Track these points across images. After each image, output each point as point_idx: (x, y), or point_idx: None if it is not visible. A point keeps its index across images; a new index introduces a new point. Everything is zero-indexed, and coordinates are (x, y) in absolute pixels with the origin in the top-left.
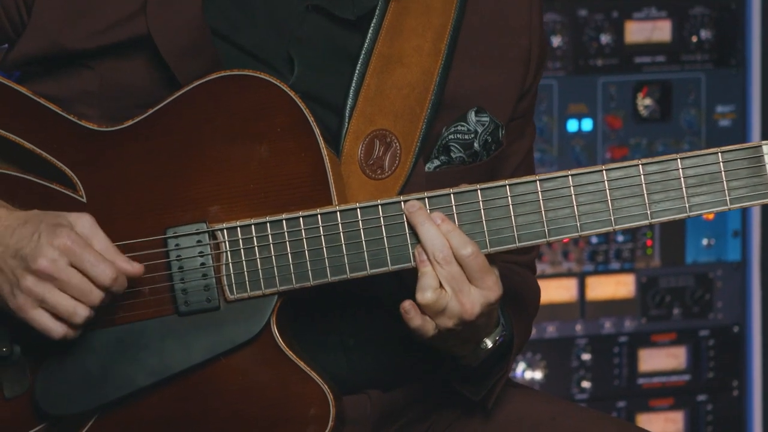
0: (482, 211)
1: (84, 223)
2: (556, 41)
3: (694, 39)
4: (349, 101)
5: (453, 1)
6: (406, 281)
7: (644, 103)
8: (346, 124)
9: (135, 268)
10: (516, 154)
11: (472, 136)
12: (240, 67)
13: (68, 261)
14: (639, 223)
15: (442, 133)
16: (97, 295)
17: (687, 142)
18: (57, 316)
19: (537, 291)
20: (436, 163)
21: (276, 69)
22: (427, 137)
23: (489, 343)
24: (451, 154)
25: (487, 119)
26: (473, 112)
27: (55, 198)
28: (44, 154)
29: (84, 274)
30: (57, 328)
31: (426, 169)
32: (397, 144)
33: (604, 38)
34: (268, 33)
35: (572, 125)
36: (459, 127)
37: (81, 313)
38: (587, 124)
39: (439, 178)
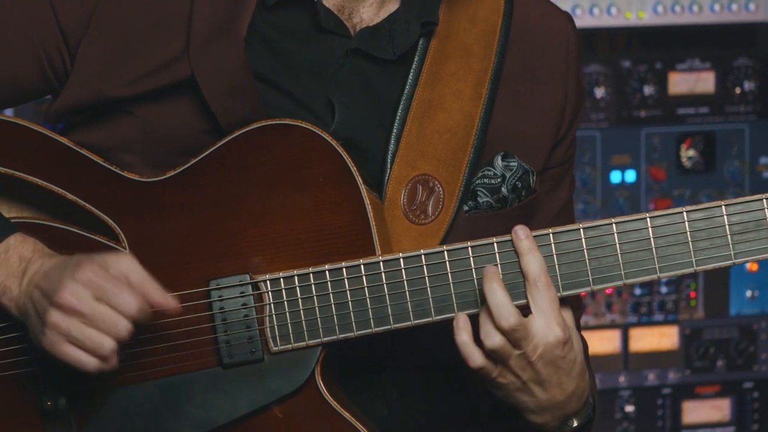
0: (519, 260)
1: (120, 261)
2: (599, 92)
3: (738, 90)
4: (391, 147)
5: (493, 46)
6: (450, 332)
7: (688, 154)
8: (389, 169)
9: (170, 303)
10: (553, 204)
11: (499, 180)
12: (281, 112)
13: (92, 294)
14: (684, 270)
15: None
16: (123, 327)
17: (731, 193)
18: (86, 349)
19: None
20: (465, 208)
21: (316, 114)
22: (470, 182)
23: (575, 422)
24: (478, 199)
25: (516, 164)
26: (500, 157)
27: (97, 249)
28: (87, 205)
29: (109, 305)
30: (88, 362)
31: None
32: (440, 189)
33: (648, 89)
34: (308, 77)
35: (615, 176)
36: (486, 172)
37: (107, 345)
38: (630, 176)
39: (478, 223)
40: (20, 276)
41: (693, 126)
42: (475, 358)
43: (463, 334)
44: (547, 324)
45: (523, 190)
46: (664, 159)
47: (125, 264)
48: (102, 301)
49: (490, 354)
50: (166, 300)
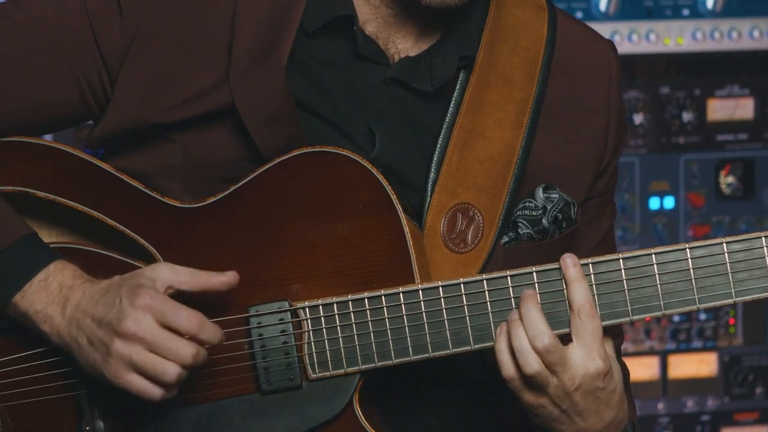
0: (565, 290)
1: (161, 271)
2: (638, 119)
3: None
4: (432, 175)
5: (535, 75)
6: (489, 360)
7: (727, 180)
8: (429, 197)
9: (226, 277)
10: (594, 234)
11: (540, 212)
12: (321, 139)
13: (153, 319)
14: (723, 302)
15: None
16: (186, 351)
17: None
18: (149, 377)
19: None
20: (505, 239)
21: (356, 142)
22: (510, 210)
23: None
24: (519, 230)
25: (557, 195)
26: (541, 189)
27: None
28: (127, 230)
29: (170, 329)
30: (153, 390)
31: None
32: (480, 217)
33: (687, 116)
34: (347, 105)
35: (654, 203)
36: (527, 204)
37: (171, 371)
38: (669, 202)
39: (517, 253)
40: (62, 304)
41: (732, 152)
42: (508, 367)
43: (501, 341)
44: (588, 355)
45: (564, 222)
46: (703, 185)
47: (166, 272)
48: (163, 324)
49: (528, 380)
50: (219, 278)
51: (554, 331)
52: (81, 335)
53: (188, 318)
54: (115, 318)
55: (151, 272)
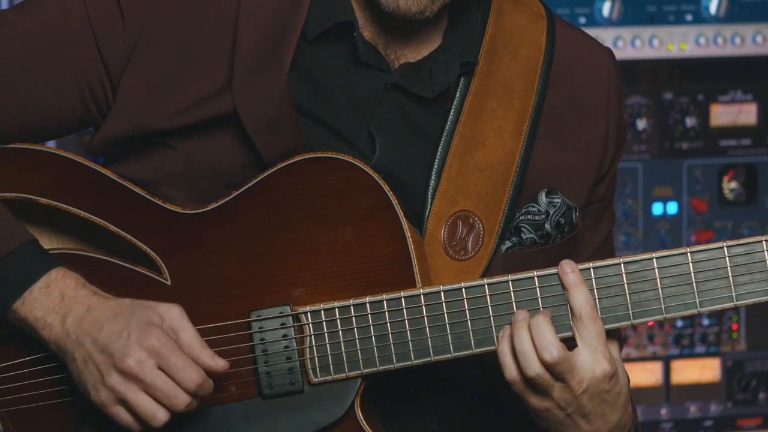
0: (566, 294)
1: (174, 315)
2: (641, 124)
3: None
4: (432, 182)
5: (534, 83)
6: (490, 365)
7: (730, 186)
8: (429, 205)
9: (219, 365)
10: (594, 238)
11: (543, 217)
12: (322, 145)
13: (156, 363)
14: (724, 305)
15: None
16: (181, 400)
17: None
18: (136, 415)
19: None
20: (508, 244)
21: (357, 148)
22: (510, 218)
23: None
24: (522, 235)
25: (559, 200)
26: (544, 194)
27: (139, 281)
28: (129, 237)
29: (170, 377)
30: (137, 427)
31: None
32: (480, 225)
33: (690, 121)
34: (348, 111)
35: (657, 208)
36: (530, 209)
37: (160, 417)
38: (672, 208)
39: (518, 259)
40: (62, 314)
41: (735, 158)
42: (511, 369)
43: (504, 344)
44: (593, 357)
45: (566, 227)
46: (706, 191)
47: (176, 321)
48: (164, 371)
49: (529, 383)
50: (216, 363)
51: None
52: (78, 351)
53: (190, 375)
54: (119, 352)
55: (164, 312)
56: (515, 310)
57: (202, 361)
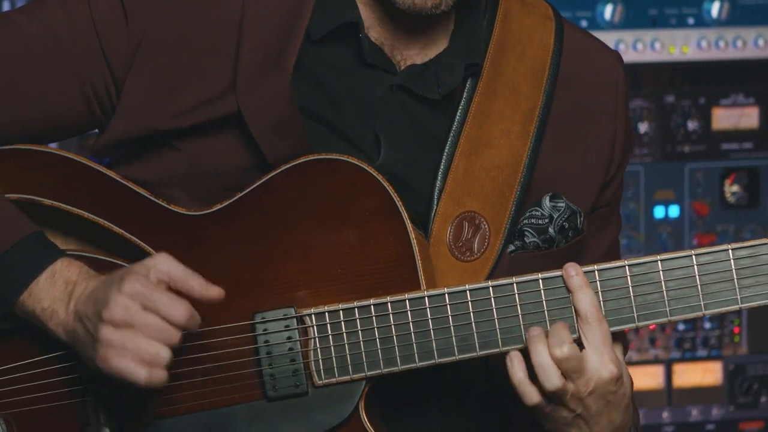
0: (571, 296)
1: (160, 259)
2: (643, 127)
3: None
4: (438, 183)
5: (541, 85)
6: (494, 367)
7: (731, 189)
8: (435, 205)
9: (212, 292)
10: (600, 244)
11: (547, 221)
12: (327, 147)
13: (141, 305)
14: (729, 308)
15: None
16: (175, 334)
17: None
18: (140, 360)
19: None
20: (511, 247)
21: (362, 149)
22: (516, 219)
23: None
24: (525, 238)
25: (563, 204)
26: (548, 197)
27: None
28: (133, 238)
29: (158, 314)
30: (141, 372)
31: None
32: (486, 226)
33: (692, 125)
34: (353, 112)
35: (659, 212)
36: (533, 212)
37: (163, 353)
38: (674, 211)
39: (522, 263)
40: (66, 299)
41: (737, 161)
42: (532, 396)
43: (519, 373)
44: (600, 360)
45: (570, 231)
46: (707, 194)
47: (164, 263)
48: (151, 310)
49: (548, 396)
50: (208, 290)
51: None
52: (81, 327)
53: (177, 308)
54: (103, 303)
55: (149, 261)
56: (519, 312)
57: (196, 291)
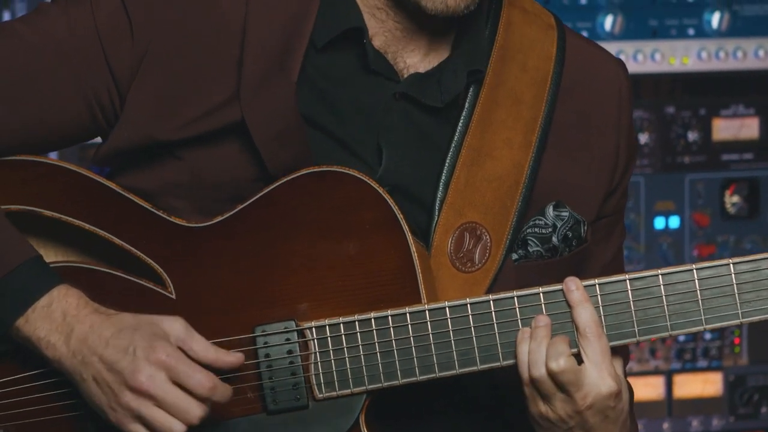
0: (571, 311)
1: (178, 328)
2: (643, 138)
3: None
4: (439, 194)
5: (544, 94)
6: (496, 380)
7: (732, 200)
8: (436, 216)
9: (237, 357)
10: (604, 254)
11: (550, 230)
12: (328, 156)
13: (166, 376)
14: (730, 323)
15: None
16: (195, 413)
17: None
18: (153, 429)
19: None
20: (514, 256)
21: (364, 159)
22: (518, 230)
23: None
24: (529, 248)
25: (567, 214)
26: (551, 207)
27: (144, 294)
28: (133, 250)
29: (182, 387)
30: None
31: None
32: (488, 237)
33: (692, 135)
34: (356, 121)
35: (659, 222)
36: (537, 221)
37: (177, 429)
38: (674, 222)
39: (525, 272)
40: (66, 334)
41: (737, 172)
42: (524, 369)
43: (524, 344)
44: (599, 374)
45: (574, 240)
46: (708, 205)
47: (183, 332)
48: (176, 383)
49: (533, 383)
50: (233, 357)
51: None
52: (86, 372)
53: (201, 381)
54: (128, 369)
55: (167, 326)
56: (520, 326)
57: (221, 360)
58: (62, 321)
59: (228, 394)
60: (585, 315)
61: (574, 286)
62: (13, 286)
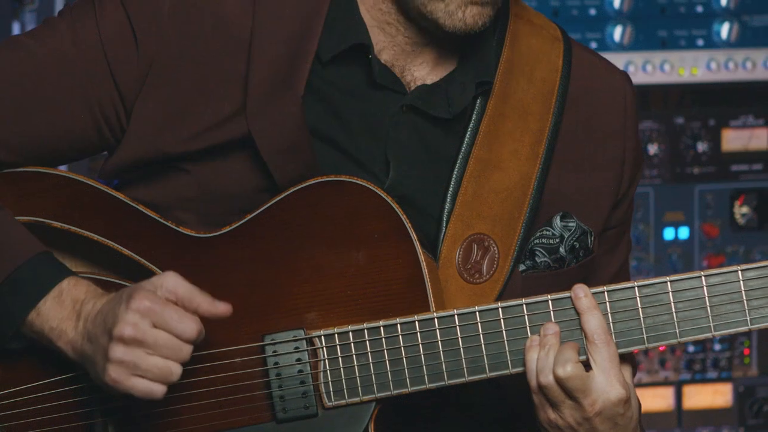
0: (579, 318)
1: (168, 278)
2: (652, 149)
3: None
4: (447, 205)
5: (550, 106)
6: (504, 389)
7: (741, 211)
8: (444, 228)
9: (220, 309)
10: (611, 264)
11: (558, 240)
12: (336, 168)
13: (151, 322)
14: (738, 329)
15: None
16: (186, 351)
17: None
18: (154, 378)
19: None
20: (522, 267)
21: (371, 170)
22: (525, 241)
23: None
24: (536, 258)
25: (574, 224)
26: (558, 217)
27: None
28: (142, 260)
29: (168, 331)
30: (158, 389)
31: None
32: (495, 248)
33: (701, 146)
34: (363, 133)
35: (669, 233)
36: (544, 232)
37: (175, 370)
38: (684, 233)
39: (533, 282)
40: (75, 318)
41: (747, 183)
42: (533, 376)
43: (533, 351)
44: (607, 381)
45: (581, 251)
46: (717, 216)
47: (171, 281)
48: (161, 327)
49: (542, 390)
50: (216, 307)
51: None
52: (89, 347)
53: (188, 323)
54: (112, 321)
55: (157, 279)
56: (529, 334)
57: (204, 309)
58: (72, 308)
59: (203, 335)
60: (593, 322)
61: (582, 293)
62: (23, 280)
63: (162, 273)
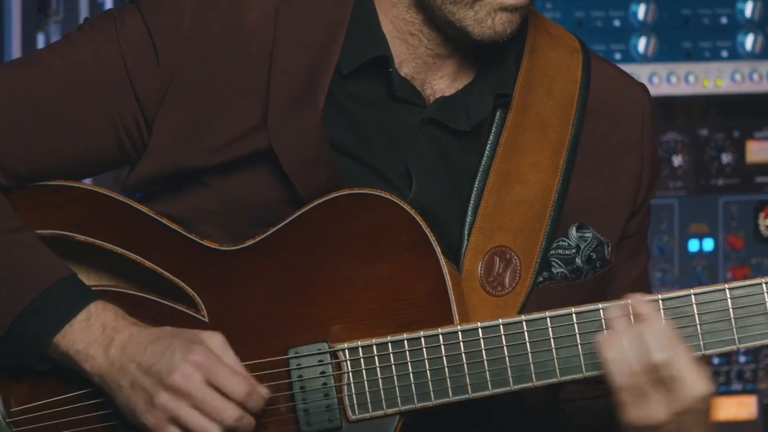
0: (605, 330)
1: (216, 341)
2: (677, 161)
3: None
4: (468, 218)
5: (570, 118)
6: (528, 402)
7: (766, 222)
8: (466, 241)
9: (265, 391)
10: (629, 273)
11: (574, 251)
12: (357, 181)
13: (203, 377)
14: (763, 341)
15: None
16: (230, 414)
17: None
18: None
19: None
20: (539, 278)
21: (393, 183)
22: (547, 253)
23: None
24: (553, 269)
25: (590, 235)
26: (575, 228)
27: (177, 317)
28: (166, 273)
29: (218, 389)
30: None
31: None
32: (517, 260)
33: (726, 158)
34: (384, 146)
35: (693, 245)
36: (561, 243)
37: (212, 431)
38: (708, 244)
39: (549, 294)
40: (105, 345)
41: None
42: (621, 372)
43: (611, 351)
44: (698, 376)
45: (598, 262)
46: (742, 227)
47: (220, 346)
48: (212, 383)
49: (628, 387)
50: (261, 388)
51: (590, 372)
52: (124, 379)
53: (238, 384)
54: (165, 369)
55: (206, 336)
56: (553, 346)
57: (250, 382)
58: (101, 333)
59: (261, 403)
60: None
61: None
62: (51, 302)
63: (209, 332)
